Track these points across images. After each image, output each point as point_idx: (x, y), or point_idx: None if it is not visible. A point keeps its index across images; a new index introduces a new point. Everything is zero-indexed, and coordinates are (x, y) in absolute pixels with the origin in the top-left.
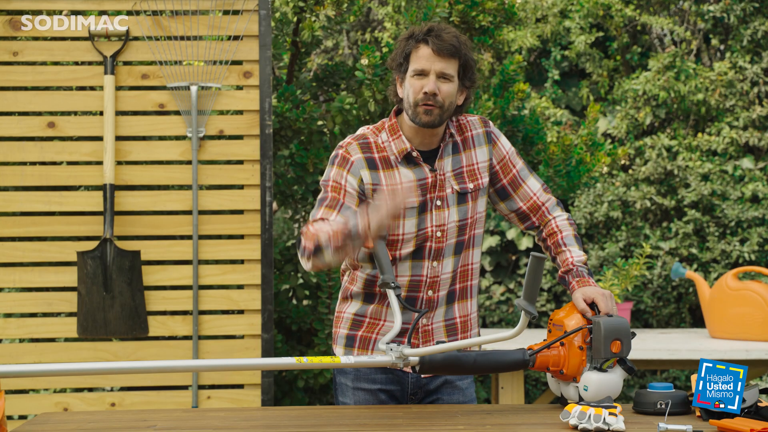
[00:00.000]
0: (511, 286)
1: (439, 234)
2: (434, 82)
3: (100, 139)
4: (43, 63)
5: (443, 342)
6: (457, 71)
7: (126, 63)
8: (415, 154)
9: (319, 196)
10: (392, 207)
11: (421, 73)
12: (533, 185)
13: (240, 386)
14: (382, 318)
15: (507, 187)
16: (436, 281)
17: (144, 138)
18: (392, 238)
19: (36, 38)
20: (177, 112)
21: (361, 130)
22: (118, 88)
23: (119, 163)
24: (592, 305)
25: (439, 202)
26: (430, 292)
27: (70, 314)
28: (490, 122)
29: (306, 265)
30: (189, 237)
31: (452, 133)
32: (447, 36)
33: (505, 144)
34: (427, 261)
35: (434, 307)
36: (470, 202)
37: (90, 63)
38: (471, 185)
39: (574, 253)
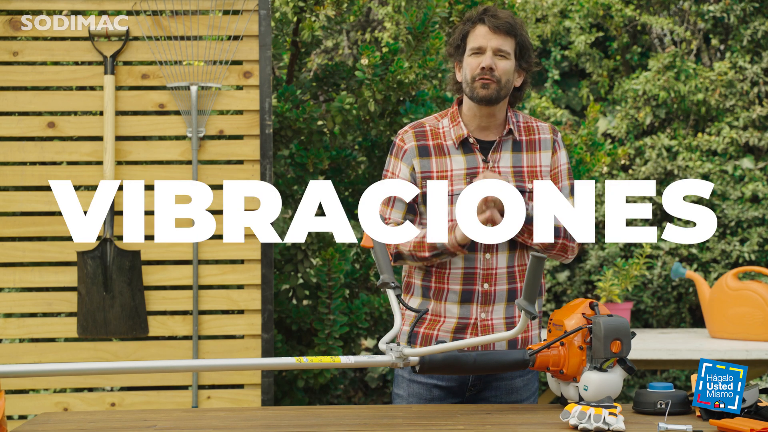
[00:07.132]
0: None
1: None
2: (491, 57)
3: (100, 139)
4: (43, 63)
5: (443, 342)
6: (514, 50)
7: (126, 63)
8: (471, 140)
9: None
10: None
11: (478, 51)
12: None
13: (240, 386)
14: (443, 315)
15: None
16: (491, 274)
17: (144, 138)
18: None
19: (36, 38)
20: (177, 112)
21: (426, 118)
22: (118, 88)
23: (119, 163)
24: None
25: None
26: (486, 285)
27: (70, 314)
28: (558, 132)
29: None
30: None
31: (512, 129)
32: (502, 14)
33: (561, 156)
34: (479, 253)
35: (491, 301)
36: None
37: (90, 63)
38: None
39: None
